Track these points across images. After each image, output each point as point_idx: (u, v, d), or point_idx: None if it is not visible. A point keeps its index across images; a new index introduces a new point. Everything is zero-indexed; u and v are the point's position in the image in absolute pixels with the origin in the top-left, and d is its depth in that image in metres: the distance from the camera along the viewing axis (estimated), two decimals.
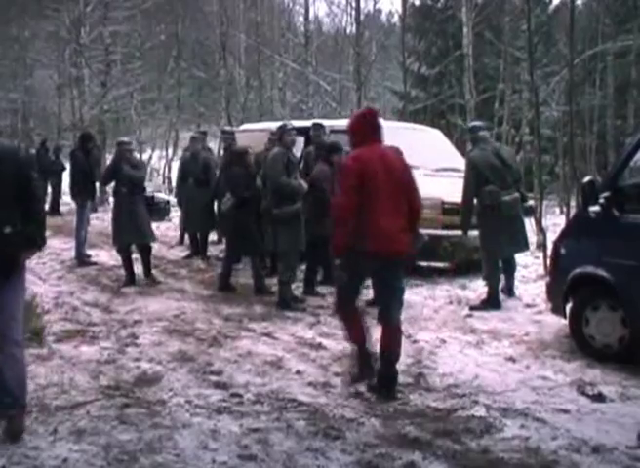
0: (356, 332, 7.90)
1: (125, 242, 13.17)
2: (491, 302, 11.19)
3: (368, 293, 11.73)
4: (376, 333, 7.77)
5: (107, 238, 18.74)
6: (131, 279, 13.06)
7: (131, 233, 12.99)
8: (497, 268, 11.52)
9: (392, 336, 7.56)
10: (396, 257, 7.50)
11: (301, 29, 39.74)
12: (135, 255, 13.24)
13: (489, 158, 11.34)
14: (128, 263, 13.13)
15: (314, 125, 13.15)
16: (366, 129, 7.65)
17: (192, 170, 16.03)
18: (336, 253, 7.52)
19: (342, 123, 14.45)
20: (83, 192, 16.12)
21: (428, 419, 6.73)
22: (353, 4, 29.46)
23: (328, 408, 6.97)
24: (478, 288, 12.05)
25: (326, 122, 16.19)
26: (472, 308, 11.14)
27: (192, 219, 15.99)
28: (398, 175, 7.51)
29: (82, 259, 15.68)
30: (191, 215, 15.95)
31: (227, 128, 17.73)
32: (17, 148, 6.91)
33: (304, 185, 11.45)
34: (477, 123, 12.63)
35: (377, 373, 7.57)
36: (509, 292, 11.62)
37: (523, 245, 11.65)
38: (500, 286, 11.46)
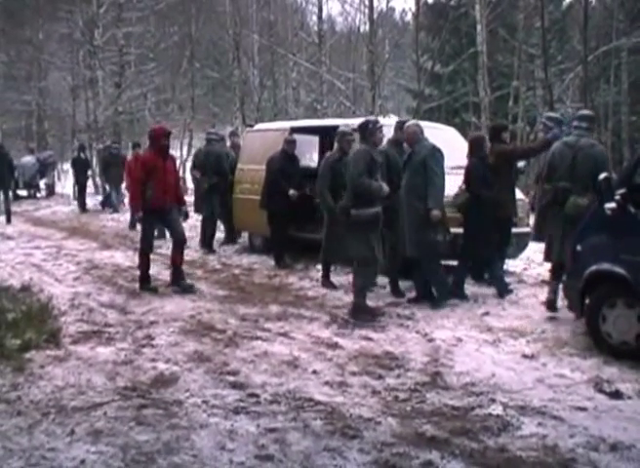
0: (142, 264, 12.79)
1: None
2: None
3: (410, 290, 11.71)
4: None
5: (123, 239, 18.89)
6: None
7: None
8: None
9: (177, 254, 12.77)
10: (166, 208, 12.57)
11: (315, 28, 39.69)
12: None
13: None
14: None
15: (400, 123, 12.78)
16: None
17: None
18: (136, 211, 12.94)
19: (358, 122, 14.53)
20: None
21: (445, 418, 6.72)
22: (366, 2, 29.42)
23: (345, 407, 6.96)
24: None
25: (340, 121, 16.23)
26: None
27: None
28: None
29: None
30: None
31: (212, 130, 19.57)
32: None
33: (385, 188, 10.72)
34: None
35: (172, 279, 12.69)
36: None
37: None
38: None
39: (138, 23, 37.39)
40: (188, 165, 36.45)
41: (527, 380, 7.77)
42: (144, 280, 12.77)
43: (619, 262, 8.40)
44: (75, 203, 30.05)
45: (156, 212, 12.62)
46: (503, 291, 11.53)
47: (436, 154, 11.22)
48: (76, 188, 30.21)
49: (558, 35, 35.33)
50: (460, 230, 12.11)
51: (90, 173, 30.84)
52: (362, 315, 10.47)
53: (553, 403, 7.05)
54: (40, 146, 42.25)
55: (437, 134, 13.00)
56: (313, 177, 15.90)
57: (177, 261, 12.87)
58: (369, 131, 10.80)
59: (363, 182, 10.50)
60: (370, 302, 11.36)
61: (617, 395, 7.24)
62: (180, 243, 12.89)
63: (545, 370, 8.15)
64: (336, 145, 13.11)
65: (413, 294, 11.70)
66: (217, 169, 17.24)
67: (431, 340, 9.41)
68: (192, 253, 16.92)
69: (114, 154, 27.16)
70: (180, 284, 12.68)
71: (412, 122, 12.13)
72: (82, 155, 29.29)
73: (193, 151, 42.51)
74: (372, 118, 11.69)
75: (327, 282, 13.03)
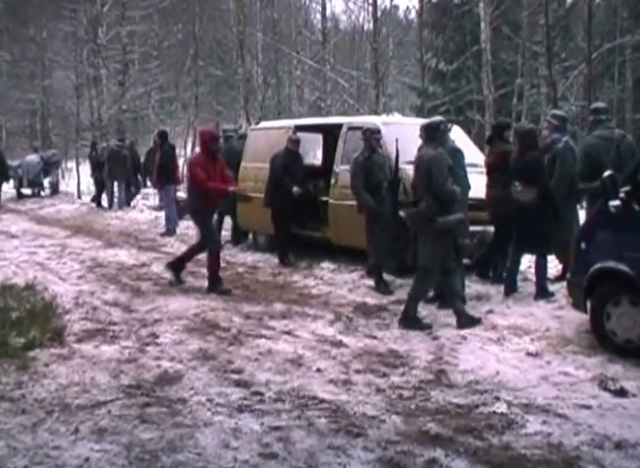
0: (213, 264, 12.60)
1: None
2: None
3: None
4: None
5: (127, 237, 18.92)
6: None
7: None
8: None
9: (211, 259, 12.61)
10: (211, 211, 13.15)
11: (319, 27, 39.74)
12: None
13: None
14: None
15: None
16: None
17: None
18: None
19: (363, 120, 14.53)
20: (166, 179, 20.45)
21: (450, 416, 6.72)
22: (370, 0, 29.36)
23: (349, 405, 6.96)
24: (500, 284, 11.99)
25: (345, 119, 16.25)
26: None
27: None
28: None
29: (170, 233, 19.70)
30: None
31: (227, 126, 20.23)
32: None
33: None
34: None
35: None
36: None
37: None
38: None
39: (141, 22, 37.42)
40: None
41: (531, 378, 7.77)
42: (216, 281, 12.58)
43: (623, 260, 8.38)
44: (79, 201, 30.23)
45: (204, 212, 12.79)
46: (511, 289, 11.46)
47: (457, 155, 11.04)
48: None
49: (562, 33, 35.30)
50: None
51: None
52: (412, 325, 10.00)
53: (558, 401, 7.05)
54: (44, 145, 42.20)
55: None
56: (317, 175, 15.94)
57: (213, 266, 12.73)
58: (440, 132, 10.42)
59: (449, 189, 10.08)
60: (373, 300, 11.39)
61: (621, 393, 7.23)
62: (215, 251, 12.80)
63: (550, 367, 8.14)
64: (362, 143, 12.86)
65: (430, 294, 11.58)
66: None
67: (435, 338, 9.40)
68: None
69: (116, 151, 27.26)
70: (215, 288, 12.46)
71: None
72: (93, 152, 29.53)
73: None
74: (438, 118, 11.07)
75: (382, 286, 12.43)
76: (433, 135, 10.30)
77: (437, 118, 11.12)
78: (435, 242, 10.01)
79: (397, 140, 11.91)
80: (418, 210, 10.14)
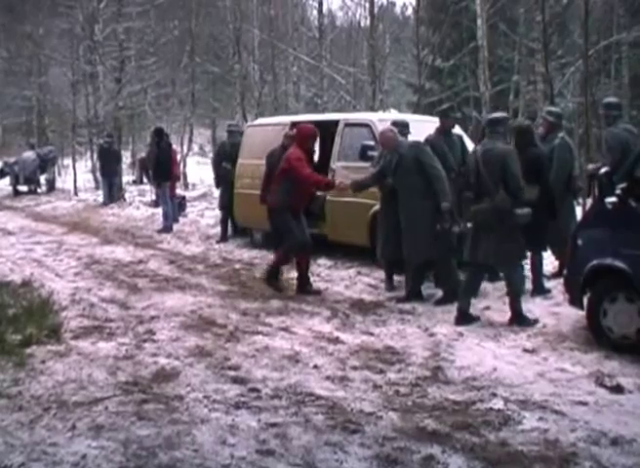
0: (282, 261, 12.14)
1: None
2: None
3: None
4: None
5: (124, 234, 18.93)
6: None
7: None
8: None
9: (302, 259, 12.10)
10: (298, 211, 12.04)
11: (315, 23, 39.64)
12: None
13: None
14: None
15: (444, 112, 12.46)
16: None
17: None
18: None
19: (359, 116, 14.54)
20: (163, 176, 20.56)
21: (447, 412, 6.72)
22: None
23: (346, 401, 6.96)
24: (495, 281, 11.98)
25: (341, 116, 16.24)
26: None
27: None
28: None
29: (167, 230, 19.66)
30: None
31: (232, 122, 19.63)
32: None
33: None
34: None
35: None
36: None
37: None
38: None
39: (138, 18, 37.26)
40: (189, 160, 36.60)
41: (528, 375, 7.77)
42: (306, 281, 12.16)
43: (619, 257, 8.39)
44: (75, 198, 30.28)
45: (289, 211, 11.95)
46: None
47: (425, 149, 11.16)
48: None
49: (559, 29, 35.12)
50: None
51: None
52: (527, 321, 9.80)
53: (554, 397, 7.05)
54: (40, 142, 42.12)
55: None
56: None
57: (302, 266, 12.16)
58: (505, 126, 10.42)
59: (523, 185, 9.93)
60: (370, 297, 11.39)
61: (617, 389, 7.24)
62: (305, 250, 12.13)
63: (546, 364, 8.15)
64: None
65: (402, 293, 11.59)
66: None
67: (432, 335, 9.41)
68: (193, 248, 16.94)
69: (105, 148, 27.37)
70: (306, 289, 12.03)
71: (386, 127, 11.89)
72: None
73: (194, 146, 42.56)
74: (501, 114, 11.12)
75: (390, 285, 12.28)
76: (499, 129, 10.21)
77: (500, 113, 11.17)
78: (511, 234, 9.80)
79: None
80: (492, 204, 9.80)
